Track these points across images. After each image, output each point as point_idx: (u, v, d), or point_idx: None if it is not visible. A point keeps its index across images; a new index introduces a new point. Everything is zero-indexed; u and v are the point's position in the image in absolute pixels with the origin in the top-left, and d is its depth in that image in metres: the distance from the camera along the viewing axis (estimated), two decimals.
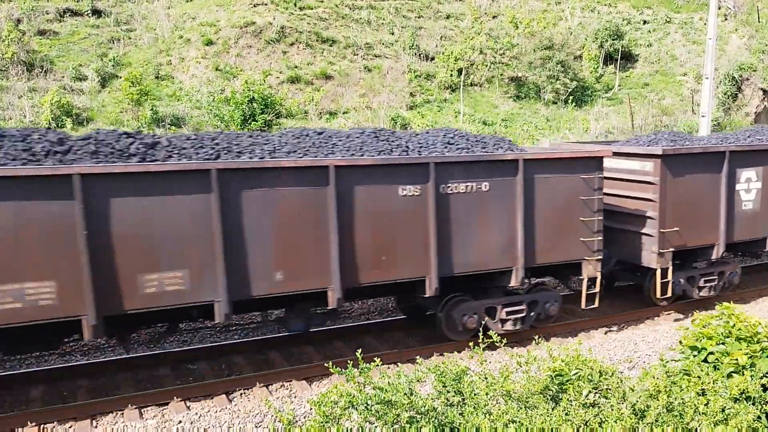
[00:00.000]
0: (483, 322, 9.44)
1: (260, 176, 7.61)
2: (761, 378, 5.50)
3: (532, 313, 9.88)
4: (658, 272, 10.63)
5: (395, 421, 4.67)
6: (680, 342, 6.41)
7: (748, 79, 28.36)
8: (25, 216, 6.60)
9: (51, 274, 6.74)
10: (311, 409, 7.40)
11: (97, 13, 24.37)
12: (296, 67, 23.75)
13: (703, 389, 5.22)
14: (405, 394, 4.78)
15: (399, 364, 7.15)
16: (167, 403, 7.94)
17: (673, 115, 26.66)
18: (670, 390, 5.10)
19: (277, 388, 8.51)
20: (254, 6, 25.40)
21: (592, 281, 10.02)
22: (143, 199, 7.07)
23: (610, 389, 5.16)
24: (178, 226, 7.25)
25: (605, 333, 10.68)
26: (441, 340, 9.66)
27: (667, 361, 5.84)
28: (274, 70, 23.23)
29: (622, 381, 5.29)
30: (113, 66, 21.86)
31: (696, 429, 4.81)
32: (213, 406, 7.94)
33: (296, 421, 7.42)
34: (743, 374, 5.58)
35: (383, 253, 8.39)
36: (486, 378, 5.20)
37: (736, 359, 5.79)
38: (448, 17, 29.67)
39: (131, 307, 7.19)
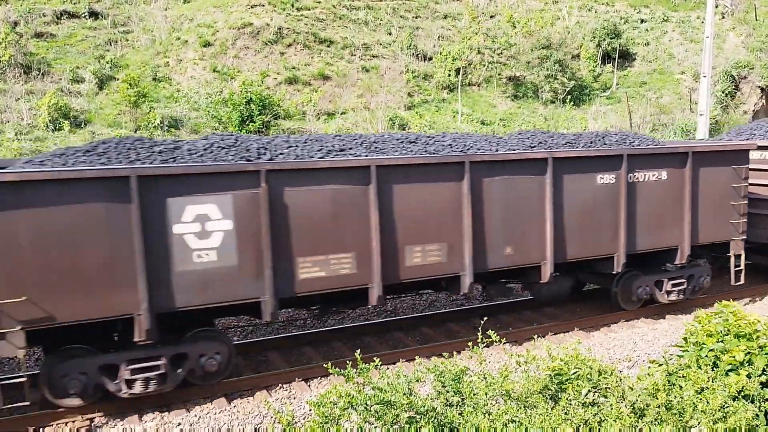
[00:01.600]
0: None
1: None
2: (760, 376, 5.50)
3: None
4: None
5: (394, 421, 4.67)
6: (684, 339, 6.40)
7: (745, 77, 28.39)
8: None
9: None
10: (311, 410, 7.40)
11: (94, 15, 24.33)
12: (294, 68, 23.74)
13: (702, 387, 5.22)
14: (404, 394, 4.78)
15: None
16: (167, 406, 7.93)
17: (671, 114, 26.68)
18: (669, 388, 5.11)
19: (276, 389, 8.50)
20: (251, 7, 25.38)
21: None
22: None
23: (609, 388, 5.16)
24: None
25: (605, 333, 10.69)
26: None
27: (671, 357, 5.84)
28: (272, 71, 23.22)
29: (621, 380, 5.29)
30: (111, 68, 21.83)
31: (695, 427, 4.81)
32: (212, 407, 7.93)
33: (296, 422, 7.41)
34: (741, 372, 5.58)
35: None
36: (485, 378, 5.20)
37: (735, 356, 5.79)
38: (445, 17, 29.67)
39: None
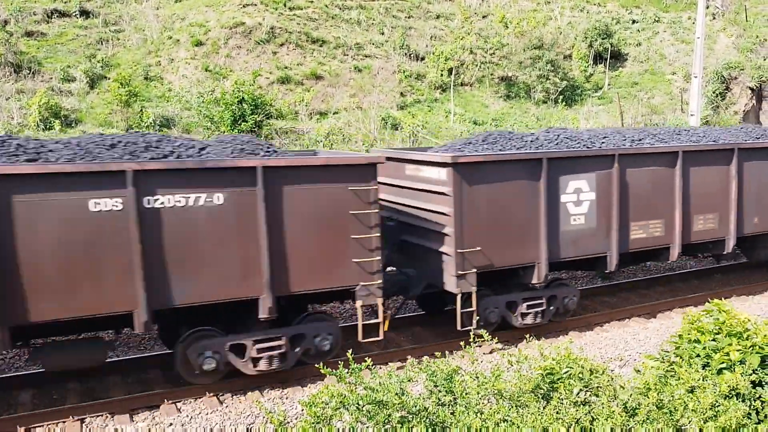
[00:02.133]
0: None
1: None
2: (751, 374, 5.52)
3: None
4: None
5: (386, 421, 4.65)
6: (679, 336, 6.40)
7: (736, 77, 28.52)
8: None
9: None
10: (303, 410, 7.38)
11: (85, 13, 24.17)
12: (286, 67, 23.68)
13: (693, 386, 5.23)
14: (396, 394, 4.77)
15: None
16: (158, 406, 7.90)
17: (662, 114, 26.77)
18: (660, 387, 5.11)
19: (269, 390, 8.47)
20: (244, 6, 25.30)
21: None
22: None
23: (601, 387, 5.16)
24: None
25: (597, 332, 10.72)
26: None
27: (666, 353, 5.84)
28: (264, 71, 23.15)
29: (612, 379, 5.30)
30: (102, 67, 21.70)
31: (686, 426, 4.82)
32: (204, 408, 7.89)
33: (288, 423, 7.39)
34: (733, 370, 5.60)
35: None
36: (477, 377, 5.19)
37: (728, 354, 5.80)
38: (438, 17, 29.67)
39: None
